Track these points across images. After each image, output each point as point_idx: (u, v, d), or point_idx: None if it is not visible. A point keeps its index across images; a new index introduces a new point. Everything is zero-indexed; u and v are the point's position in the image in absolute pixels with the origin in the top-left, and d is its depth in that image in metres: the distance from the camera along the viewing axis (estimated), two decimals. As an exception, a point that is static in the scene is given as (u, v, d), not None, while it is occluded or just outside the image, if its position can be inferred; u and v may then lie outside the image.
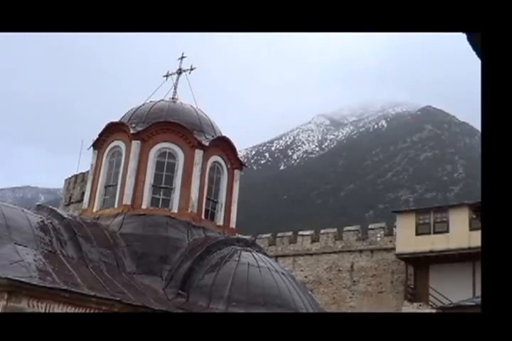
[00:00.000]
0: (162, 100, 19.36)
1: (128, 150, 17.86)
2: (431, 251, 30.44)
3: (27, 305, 11.74)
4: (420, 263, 31.35)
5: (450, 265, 29.92)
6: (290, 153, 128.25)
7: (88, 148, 19.25)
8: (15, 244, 13.26)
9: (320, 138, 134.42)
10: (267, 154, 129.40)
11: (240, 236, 18.57)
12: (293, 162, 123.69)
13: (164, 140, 18.01)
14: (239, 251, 16.45)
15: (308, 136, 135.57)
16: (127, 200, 17.24)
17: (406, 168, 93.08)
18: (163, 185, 17.70)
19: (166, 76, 20.20)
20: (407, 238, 31.39)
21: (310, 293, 20.04)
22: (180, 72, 20.17)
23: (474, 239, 27.66)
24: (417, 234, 31.21)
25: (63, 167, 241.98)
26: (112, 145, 18.41)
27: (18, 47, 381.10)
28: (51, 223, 15.06)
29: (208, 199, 18.19)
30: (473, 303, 15.44)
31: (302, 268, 35.45)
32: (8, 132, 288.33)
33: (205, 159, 18.13)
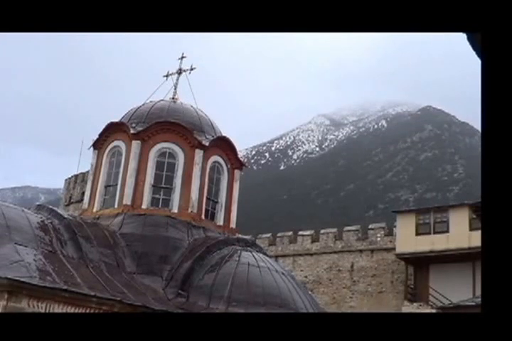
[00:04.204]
0: (162, 100, 19.36)
1: (128, 150, 17.86)
2: (431, 251, 30.45)
3: (27, 305, 11.74)
4: (420, 263, 31.36)
5: (450, 265, 29.92)
6: (290, 153, 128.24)
7: (88, 148, 19.26)
8: (15, 244, 13.25)
9: (320, 138, 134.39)
10: (267, 154, 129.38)
11: (240, 236, 18.55)
12: (293, 162, 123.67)
13: (164, 140, 18.01)
14: (239, 251, 16.45)
15: (308, 136, 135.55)
16: (127, 200, 17.24)
17: (406, 168, 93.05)
18: (163, 185, 17.69)
19: (166, 76, 20.20)
20: (407, 238, 31.40)
21: (310, 293, 20.03)
22: (180, 72, 20.17)
23: (474, 239, 27.67)
24: (417, 234, 31.22)
25: (63, 167, 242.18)
26: (112, 145, 18.41)
27: (19, 48, 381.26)
28: (51, 223, 15.05)
29: (208, 199, 18.19)
30: (473, 303, 15.44)
31: (302, 268, 35.45)
32: (9, 132, 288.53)
33: (205, 159, 18.13)
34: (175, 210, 17.34)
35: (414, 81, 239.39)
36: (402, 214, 32.85)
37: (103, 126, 18.61)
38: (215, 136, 18.60)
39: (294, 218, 71.08)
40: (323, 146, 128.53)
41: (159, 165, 17.84)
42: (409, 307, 29.89)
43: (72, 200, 45.79)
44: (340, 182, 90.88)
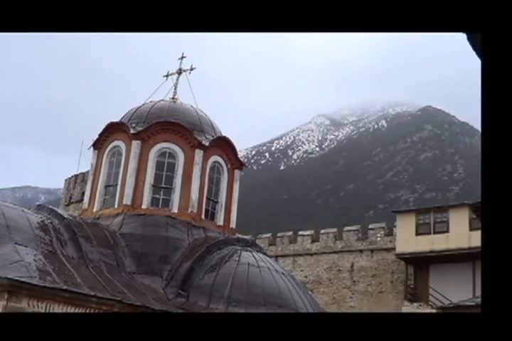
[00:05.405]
0: (162, 100, 19.37)
1: (128, 150, 17.86)
2: (431, 251, 30.45)
3: (27, 305, 11.73)
4: (420, 263, 31.36)
5: (450, 265, 29.92)
6: (290, 153, 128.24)
7: (88, 148, 19.26)
8: (15, 243, 13.25)
9: (320, 138, 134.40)
10: (267, 154, 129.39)
11: (240, 236, 18.56)
12: (293, 162, 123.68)
13: (164, 140, 18.01)
14: (239, 251, 16.45)
15: (308, 136, 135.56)
16: (127, 200, 17.24)
17: (406, 168, 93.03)
18: (163, 185, 17.70)
19: (166, 76, 20.21)
20: (407, 238, 31.40)
21: (310, 293, 20.04)
22: (180, 72, 20.17)
23: (474, 239, 27.67)
24: (417, 234, 31.22)
25: (63, 167, 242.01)
26: (112, 145, 18.41)
27: (18, 48, 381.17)
28: (51, 223, 15.06)
29: (208, 199, 18.19)
30: (473, 303, 15.44)
31: (302, 268, 35.45)
32: (9, 132, 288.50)
33: (205, 159, 18.13)
34: (175, 210, 17.34)
35: (414, 81, 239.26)
36: (402, 214, 32.85)
37: (103, 126, 18.62)
38: (215, 136, 18.61)
39: (294, 218, 71.11)
40: (323, 146, 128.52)
41: (159, 165, 17.84)
42: (409, 307, 29.88)
43: (72, 200, 45.81)
44: (340, 182, 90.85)
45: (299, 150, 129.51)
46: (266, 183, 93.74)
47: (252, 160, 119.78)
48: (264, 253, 18.03)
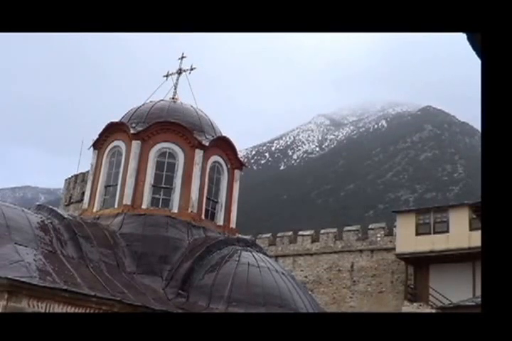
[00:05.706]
0: (162, 100, 19.37)
1: (128, 150, 17.86)
2: (431, 251, 30.45)
3: (27, 305, 11.74)
4: (420, 263, 31.36)
5: (450, 265, 29.93)
6: (290, 153, 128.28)
7: (88, 148, 19.27)
8: (15, 243, 13.26)
9: (320, 138, 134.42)
10: (267, 154, 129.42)
11: (240, 236, 18.56)
12: (293, 162, 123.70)
13: (164, 140, 18.02)
14: (239, 251, 16.46)
15: (308, 136, 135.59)
16: (127, 200, 17.24)
17: (406, 168, 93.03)
18: (163, 185, 17.70)
19: (166, 76, 20.21)
20: (407, 238, 31.40)
21: (310, 293, 20.04)
22: (180, 72, 20.18)
23: (474, 239, 27.67)
24: (417, 234, 31.22)
25: (63, 167, 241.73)
26: (112, 145, 18.42)
27: (18, 48, 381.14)
28: (51, 223, 15.06)
29: (208, 199, 18.20)
30: (473, 303, 15.44)
31: (302, 268, 35.45)
32: (9, 132, 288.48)
33: (205, 159, 18.13)
34: (175, 210, 17.35)
35: (414, 81, 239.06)
36: (402, 214, 32.85)
37: (103, 126, 18.63)
38: (215, 136, 18.61)
39: (294, 218, 71.08)
40: (323, 146, 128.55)
41: (159, 165, 17.85)
42: (409, 307, 29.88)
43: (72, 200, 45.82)
44: (340, 182, 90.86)
45: (299, 150, 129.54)
46: (266, 183, 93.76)
47: (252, 160, 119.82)
48: (264, 253, 18.03)
